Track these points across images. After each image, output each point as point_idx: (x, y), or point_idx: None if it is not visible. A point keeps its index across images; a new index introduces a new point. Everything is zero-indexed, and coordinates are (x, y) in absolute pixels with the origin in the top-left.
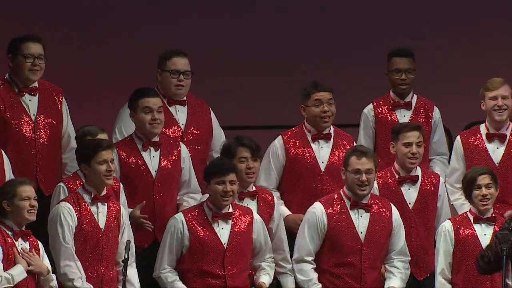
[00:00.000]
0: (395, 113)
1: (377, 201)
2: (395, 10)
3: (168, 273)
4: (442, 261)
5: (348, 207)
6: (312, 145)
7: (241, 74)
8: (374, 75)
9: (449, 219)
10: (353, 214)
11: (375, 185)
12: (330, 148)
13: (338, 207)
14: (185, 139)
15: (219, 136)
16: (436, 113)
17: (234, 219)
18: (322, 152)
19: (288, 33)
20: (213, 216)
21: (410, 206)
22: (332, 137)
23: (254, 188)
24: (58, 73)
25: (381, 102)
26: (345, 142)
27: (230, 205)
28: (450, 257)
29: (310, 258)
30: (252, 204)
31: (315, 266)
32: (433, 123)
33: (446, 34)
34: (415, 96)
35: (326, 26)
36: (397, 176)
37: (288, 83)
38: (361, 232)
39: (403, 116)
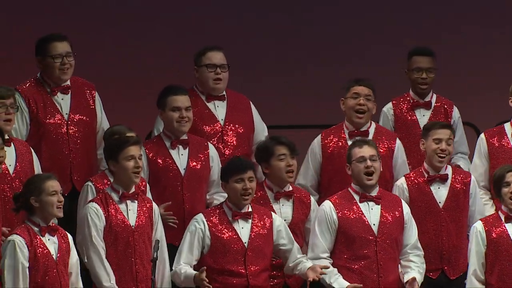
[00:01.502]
0: (414, 113)
1: (386, 195)
2: (409, 8)
3: (182, 265)
4: (474, 261)
5: (358, 200)
6: (349, 142)
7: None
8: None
9: (481, 219)
10: (363, 207)
11: (405, 185)
12: None
13: (348, 201)
14: (224, 135)
15: (261, 130)
16: (456, 112)
17: (253, 219)
18: None
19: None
20: (233, 215)
21: (441, 205)
22: (372, 135)
23: (290, 188)
24: (83, 72)
25: (400, 101)
26: (383, 138)
27: (250, 206)
28: (482, 257)
29: (325, 255)
30: (287, 204)
31: (332, 261)
32: (452, 123)
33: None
34: (434, 96)
35: (334, 26)
36: (426, 176)
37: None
38: (374, 224)
39: (423, 116)
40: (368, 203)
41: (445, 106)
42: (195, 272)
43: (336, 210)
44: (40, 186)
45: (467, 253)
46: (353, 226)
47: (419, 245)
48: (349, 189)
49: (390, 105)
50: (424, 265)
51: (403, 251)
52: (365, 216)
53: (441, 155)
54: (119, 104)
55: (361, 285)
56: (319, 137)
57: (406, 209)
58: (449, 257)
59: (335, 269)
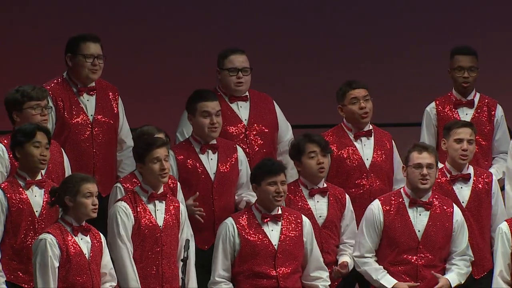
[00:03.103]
0: (457, 112)
1: (439, 200)
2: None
3: (222, 285)
4: (500, 262)
5: (407, 205)
6: (355, 143)
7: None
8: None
9: (506, 220)
10: (411, 212)
11: None
12: (373, 145)
13: (396, 204)
14: (249, 135)
15: (285, 128)
16: (499, 111)
17: (283, 221)
18: (366, 149)
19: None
20: (263, 217)
21: (464, 205)
22: (373, 134)
23: (325, 185)
24: (112, 71)
25: (443, 100)
26: (384, 140)
27: (279, 208)
28: (508, 258)
29: (370, 255)
30: (322, 201)
31: (377, 259)
32: (495, 121)
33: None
34: (477, 94)
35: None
36: (448, 176)
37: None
38: (419, 231)
39: (466, 114)
40: (417, 208)
41: (489, 105)
42: None
43: (383, 211)
44: (75, 187)
45: (491, 253)
46: (397, 230)
47: (469, 252)
48: (401, 191)
49: (433, 104)
50: (469, 269)
51: (450, 257)
52: (411, 222)
53: (463, 155)
54: (144, 105)
55: (418, 283)
56: None
57: (457, 216)
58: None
59: (381, 267)
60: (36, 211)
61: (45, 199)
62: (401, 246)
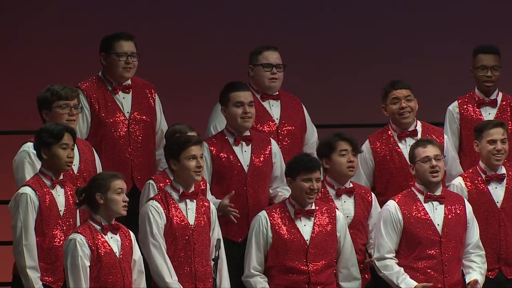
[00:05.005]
0: (480, 111)
1: (449, 194)
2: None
3: (257, 278)
4: None
5: (422, 200)
6: (399, 144)
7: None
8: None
9: None
10: (428, 207)
11: (463, 185)
12: None
13: (412, 201)
14: (279, 134)
15: (311, 130)
16: None
17: (316, 216)
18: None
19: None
20: (296, 212)
21: (498, 205)
22: (420, 133)
23: (351, 185)
24: (146, 70)
25: (466, 99)
26: (434, 137)
27: (313, 203)
28: None
29: (391, 255)
30: (349, 201)
31: (397, 261)
32: None
33: None
34: (500, 93)
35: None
36: (484, 176)
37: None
38: (438, 224)
39: (488, 114)
40: (432, 203)
41: (511, 104)
42: None
43: (401, 209)
44: (106, 184)
45: None
46: (418, 226)
47: (480, 244)
48: (412, 188)
49: (455, 103)
50: (485, 265)
51: (465, 251)
52: (429, 217)
53: (498, 155)
54: (178, 103)
55: (431, 284)
56: (367, 143)
57: (468, 208)
58: (506, 257)
59: (402, 269)
60: (61, 211)
61: (66, 199)
62: (423, 242)
